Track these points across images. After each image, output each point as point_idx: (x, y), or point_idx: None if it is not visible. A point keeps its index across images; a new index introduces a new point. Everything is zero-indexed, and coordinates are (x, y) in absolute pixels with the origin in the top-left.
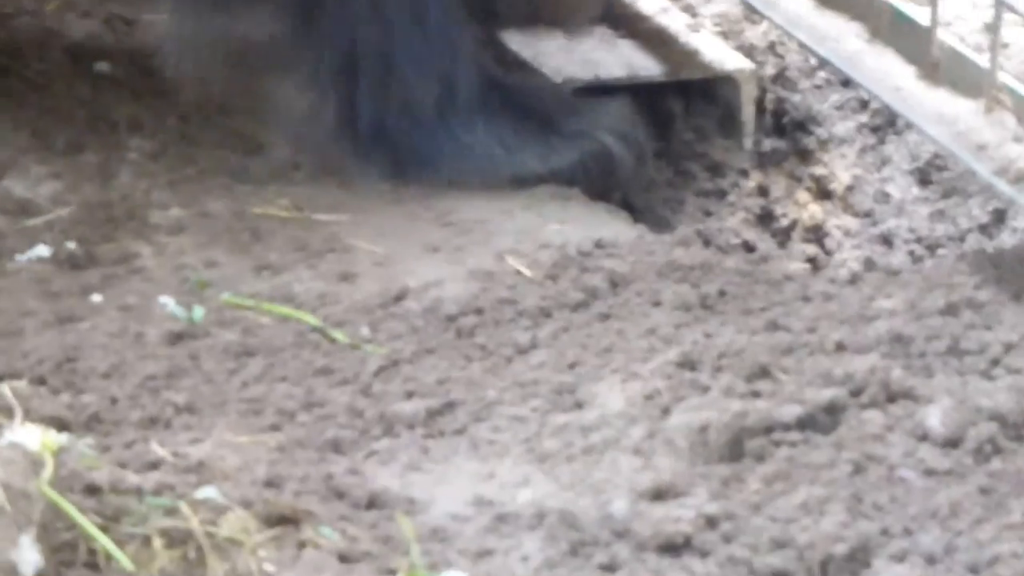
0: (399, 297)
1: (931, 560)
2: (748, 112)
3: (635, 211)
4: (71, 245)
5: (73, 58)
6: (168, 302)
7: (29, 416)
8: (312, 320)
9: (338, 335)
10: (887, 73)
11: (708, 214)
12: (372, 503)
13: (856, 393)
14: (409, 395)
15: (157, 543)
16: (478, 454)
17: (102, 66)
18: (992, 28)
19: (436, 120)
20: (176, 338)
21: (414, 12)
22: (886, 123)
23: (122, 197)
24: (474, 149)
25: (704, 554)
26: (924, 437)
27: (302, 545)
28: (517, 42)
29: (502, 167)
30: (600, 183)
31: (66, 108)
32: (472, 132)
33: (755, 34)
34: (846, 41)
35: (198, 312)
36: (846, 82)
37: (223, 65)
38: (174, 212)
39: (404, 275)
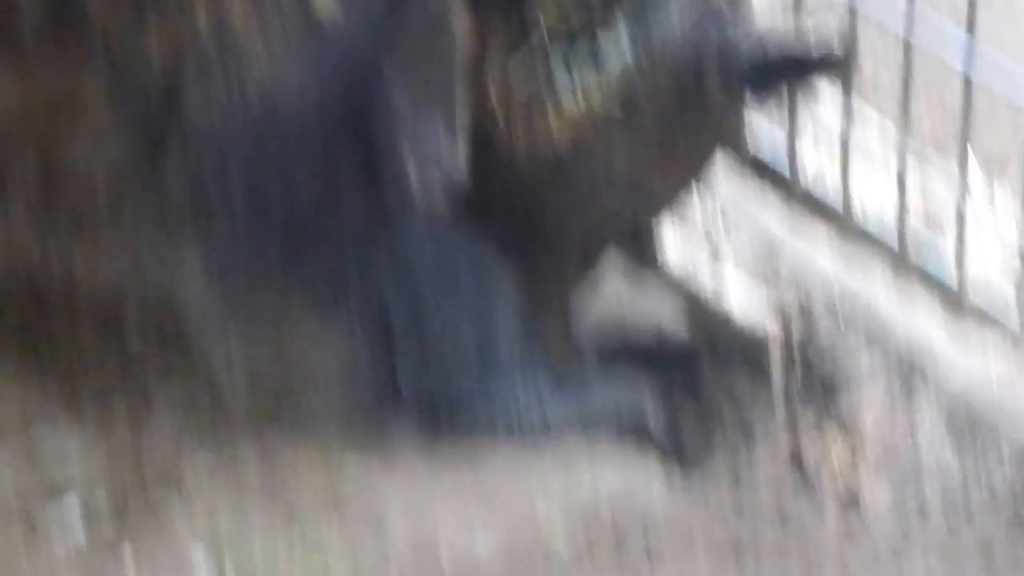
0: None
1: None
2: (776, 376)
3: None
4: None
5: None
6: None
7: None
8: None
9: None
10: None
11: (739, 480)
12: None
13: None
14: None
15: None
16: None
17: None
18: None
19: (474, 383)
20: None
21: (445, 278)
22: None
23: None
24: (508, 412)
25: None
26: None
27: None
28: None
29: (536, 432)
30: (632, 440)
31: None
32: (509, 394)
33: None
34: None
35: None
36: (874, 343)
37: (256, 329)
38: None
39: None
